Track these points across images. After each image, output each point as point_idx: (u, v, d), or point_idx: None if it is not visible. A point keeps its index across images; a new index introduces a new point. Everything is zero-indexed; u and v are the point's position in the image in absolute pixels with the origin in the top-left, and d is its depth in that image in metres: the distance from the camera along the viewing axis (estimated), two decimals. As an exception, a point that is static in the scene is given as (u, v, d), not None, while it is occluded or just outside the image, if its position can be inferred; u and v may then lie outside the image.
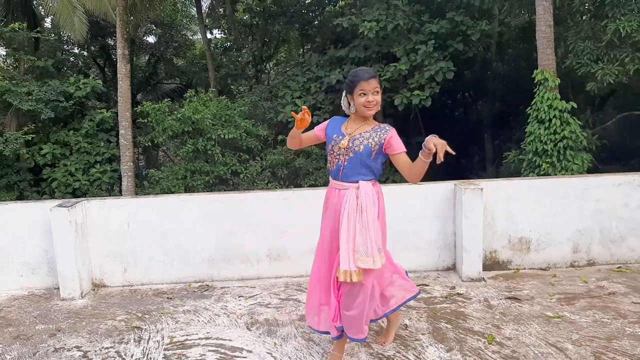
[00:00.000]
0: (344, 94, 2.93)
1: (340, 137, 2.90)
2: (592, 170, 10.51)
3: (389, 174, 14.01)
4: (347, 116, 2.99)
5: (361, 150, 2.84)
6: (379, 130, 2.87)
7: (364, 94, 2.78)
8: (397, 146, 2.84)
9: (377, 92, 2.80)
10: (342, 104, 2.97)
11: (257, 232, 4.52)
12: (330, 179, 3.02)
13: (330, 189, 3.02)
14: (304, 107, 2.81)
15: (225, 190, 12.69)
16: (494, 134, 17.19)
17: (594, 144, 11.40)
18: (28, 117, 12.95)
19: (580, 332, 3.36)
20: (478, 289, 4.15)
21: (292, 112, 3.00)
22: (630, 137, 15.45)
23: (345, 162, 2.88)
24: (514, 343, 3.25)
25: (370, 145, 2.84)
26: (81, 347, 3.45)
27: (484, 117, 17.72)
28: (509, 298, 3.94)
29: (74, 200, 4.58)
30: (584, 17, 11.53)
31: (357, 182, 2.86)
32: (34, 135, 12.68)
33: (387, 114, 14.96)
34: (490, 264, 4.53)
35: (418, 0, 13.97)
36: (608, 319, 3.54)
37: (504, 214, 4.46)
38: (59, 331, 3.70)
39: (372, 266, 2.77)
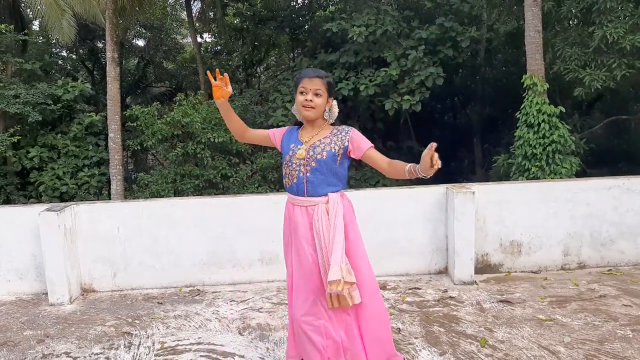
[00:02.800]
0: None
1: (298, 147, 2.61)
2: (581, 173, 10.61)
3: (379, 177, 14.05)
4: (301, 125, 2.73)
5: (324, 157, 2.56)
6: (338, 133, 2.61)
7: (304, 92, 2.55)
8: (363, 144, 2.58)
9: (319, 94, 2.54)
10: (292, 109, 2.72)
11: (249, 236, 4.49)
12: (290, 195, 2.67)
13: (289, 206, 2.67)
14: (219, 70, 2.59)
15: (215, 194, 12.64)
16: (483, 138, 17.32)
17: (582, 148, 11.52)
18: (15, 120, 12.80)
19: (572, 334, 3.38)
20: (470, 292, 4.16)
21: (207, 73, 2.69)
22: (617, 141, 15.68)
23: (308, 174, 2.56)
24: (507, 346, 3.25)
25: (333, 150, 2.57)
26: (70, 353, 3.39)
27: (473, 121, 17.85)
28: (501, 301, 3.95)
29: (62, 204, 4.52)
30: (571, 24, 11.66)
31: (326, 195, 2.57)
32: (20, 138, 12.54)
33: (378, 118, 15.04)
34: (482, 267, 4.54)
35: (408, 6, 14.07)
36: (599, 321, 3.56)
37: (496, 218, 4.48)
38: (47, 337, 3.64)
39: (339, 276, 2.44)
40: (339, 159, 2.59)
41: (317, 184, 2.57)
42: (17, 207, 4.54)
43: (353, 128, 2.65)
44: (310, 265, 2.59)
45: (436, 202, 4.47)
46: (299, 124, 2.75)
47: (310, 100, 2.54)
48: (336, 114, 2.66)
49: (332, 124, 2.68)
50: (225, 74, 2.59)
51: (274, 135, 2.76)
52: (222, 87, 2.58)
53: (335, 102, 2.65)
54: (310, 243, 2.59)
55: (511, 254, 4.55)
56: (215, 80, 2.58)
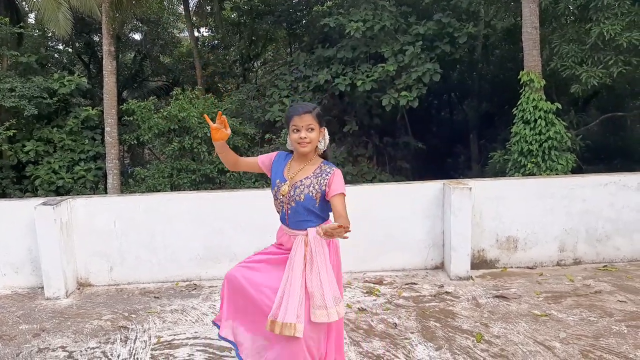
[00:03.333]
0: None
1: (282, 183, 2.66)
2: (576, 170, 10.65)
3: (375, 173, 14.06)
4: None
5: (302, 200, 2.61)
6: (321, 174, 2.62)
7: (297, 130, 2.59)
8: (334, 188, 2.58)
9: (312, 129, 2.58)
10: (287, 145, 2.76)
11: (245, 231, 4.48)
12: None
13: (280, 230, 2.80)
14: (220, 112, 2.63)
15: (211, 189, 12.62)
16: (480, 134, 17.34)
17: (578, 144, 11.55)
18: (11, 114, 12.72)
19: (567, 330, 3.39)
20: (466, 287, 4.18)
21: (205, 116, 2.74)
22: (612, 137, 15.71)
23: (289, 211, 2.65)
24: (503, 341, 3.27)
25: (311, 194, 2.60)
26: (66, 347, 3.39)
27: (469, 117, 17.87)
28: (497, 297, 3.97)
29: (59, 198, 4.51)
30: (568, 20, 11.66)
31: (305, 229, 2.62)
32: (16, 132, 12.47)
33: (374, 114, 15.02)
34: (478, 262, 4.56)
35: (405, 1, 14.03)
36: (595, 317, 3.58)
37: (492, 214, 4.50)
38: (43, 331, 3.63)
39: (326, 320, 2.49)
40: (317, 202, 2.63)
41: (296, 220, 2.64)
42: (13, 201, 4.53)
43: (337, 170, 2.66)
44: (274, 281, 2.62)
45: (433, 198, 4.48)
46: (290, 151, 2.79)
47: (305, 137, 2.58)
48: (327, 140, 2.71)
49: (323, 154, 2.73)
50: (224, 117, 2.62)
51: (263, 163, 2.81)
52: (221, 130, 2.61)
53: (326, 129, 2.70)
54: (282, 260, 2.66)
55: (507, 249, 4.57)
56: (215, 122, 2.60)
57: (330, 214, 2.66)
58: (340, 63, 13.22)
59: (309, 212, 2.62)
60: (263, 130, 14.17)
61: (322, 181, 2.61)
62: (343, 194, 2.58)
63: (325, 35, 14.89)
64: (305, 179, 2.63)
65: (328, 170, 2.64)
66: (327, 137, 2.70)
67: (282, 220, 2.73)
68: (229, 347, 3.28)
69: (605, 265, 4.60)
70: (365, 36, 12.42)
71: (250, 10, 17.42)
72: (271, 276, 2.66)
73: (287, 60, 16.55)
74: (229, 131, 2.63)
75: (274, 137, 13.02)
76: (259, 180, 12.99)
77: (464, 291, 4.10)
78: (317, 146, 2.66)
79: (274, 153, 2.83)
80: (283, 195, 2.65)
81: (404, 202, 4.52)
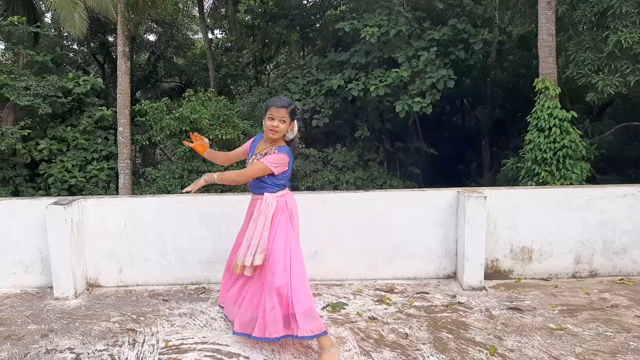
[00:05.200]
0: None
1: (251, 157, 3.32)
2: (590, 179, 10.51)
3: (386, 178, 13.98)
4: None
5: None
6: (272, 151, 3.21)
7: (272, 119, 3.15)
8: (266, 159, 3.16)
9: (284, 121, 3.14)
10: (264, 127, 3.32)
11: (256, 235, 4.43)
12: None
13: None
14: (194, 134, 3.34)
15: (221, 191, 12.62)
16: (492, 141, 17.21)
17: (592, 153, 11.41)
18: (25, 112, 12.84)
19: (583, 345, 3.31)
20: (479, 298, 4.10)
21: (184, 142, 3.44)
22: (627, 147, 15.49)
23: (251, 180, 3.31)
24: (517, 355, 3.19)
25: None
26: (74, 349, 3.36)
27: (482, 123, 17.74)
28: (511, 308, 3.89)
29: (70, 198, 4.50)
30: (585, 28, 11.53)
31: (262, 194, 3.26)
32: (30, 131, 12.57)
33: (386, 119, 14.96)
34: (492, 272, 4.47)
35: (419, 6, 13.97)
36: (611, 332, 3.49)
37: (507, 223, 4.41)
38: (51, 332, 3.61)
39: (247, 263, 3.18)
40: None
41: (253, 186, 3.33)
42: (24, 200, 4.53)
43: (281, 153, 3.20)
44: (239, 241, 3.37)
45: (447, 206, 4.41)
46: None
47: (276, 126, 3.16)
48: (296, 131, 3.31)
49: (289, 141, 3.30)
50: (196, 133, 3.38)
51: (246, 148, 3.45)
52: (202, 143, 3.33)
53: (295, 122, 3.28)
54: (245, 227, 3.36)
55: (522, 260, 4.48)
56: (192, 142, 3.35)
57: (286, 183, 3.32)
58: (354, 68, 13.18)
59: (258, 179, 3.25)
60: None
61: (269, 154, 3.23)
62: (263, 163, 3.16)
63: (338, 40, 14.88)
64: (264, 152, 3.25)
65: (276, 150, 3.22)
66: (295, 128, 3.29)
67: (249, 186, 3.38)
68: (237, 354, 3.25)
69: (622, 279, 4.49)
70: (379, 41, 12.37)
71: (264, 13, 17.48)
72: (238, 239, 3.43)
73: (300, 63, 16.56)
74: (205, 140, 3.34)
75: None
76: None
77: (476, 302, 4.02)
78: (285, 134, 3.24)
79: (253, 137, 3.48)
80: (249, 164, 3.30)
81: (417, 209, 4.45)
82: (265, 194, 3.25)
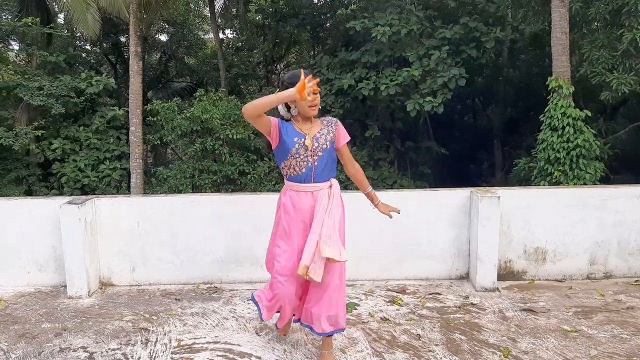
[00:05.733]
0: None
1: (303, 139, 2.85)
2: (604, 179, 10.37)
3: (396, 177, 13.93)
4: (287, 120, 2.95)
5: (328, 147, 2.90)
6: (328, 125, 2.94)
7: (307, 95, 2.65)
8: (343, 137, 2.95)
9: (316, 93, 2.76)
10: (279, 110, 2.91)
11: (268, 234, 4.41)
12: (292, 184, 2.94)
13: (293, 194, 2.94)
14: (310, 77, 2.62)
15: (232, 190, 12.67)
16: (504, 140, 17.06)
17: (606, 153, 11.26)
18: (38, 112, 12.98)
19: (598, 347, 3.27)
20: (492, 299, 4.06)
21: (301, 70, 2.71)
22: (642, 146, 15.29)
23: (316, 163, 2.87)
24: (531, 357, 3.15)
25: (332, 139, 2.93)
26: (87, 347, 3.39)
27: (494, 123, 17.60)
28: (525, 310, 3.85)
29: (84, 197, 4.53)
30: (599, 25, 11.38)
31: (329, 180, 2.93)
32: (43, 131, 12.71)
33: (397, 118, 14.90)
34: (505, 273, 4.43)
35: (431, 5, 13.89)
36: (627, 334, 3.44)
37: (521, 223, 4.37)
38: (64, 330, 3.64)
39: (338, 258, 2.84)
40: (334, 147, 2.96)
41: (323, 171, 2.89)
42: (38, 199, 4.57)
43: (337, 120, 2.98)
44: (299, 240, 2.93)
45: (460, 206, 4.38)
46: (284, 119, 2.96)
47: (315, 98, 2.80)
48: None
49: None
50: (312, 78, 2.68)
51: (275, 125, 2.87)
52: (314, 95, 2.76)
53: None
54: (306, 223, 2.91)
55: (535, 261, 4.44)
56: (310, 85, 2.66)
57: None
58: (364, 67, 13.14)
59: (331, 159, 2.93)
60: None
61: (331, 129, 2.93)
62: (347, 144, 2.99)
63: (348, 39, 14.84)
64: (320, 130, 2.91)
65: (332, 120, 2.97)
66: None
67: (306, 177, 2.88)
68: (249, 354, 3.25)
69: (637, 280, 4.43)
70: (390, 40, 12.32)
71: (274, 12, 17.49)
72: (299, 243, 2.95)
73: (310, 63, 16.54)
74: (316, 97, 2.80)
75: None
76: (279, 183, 12.98)
77: (490, 303, 3.99)
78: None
79: (275, 119, 2.90)
80: (308, 149, 2.85)
81: (429, 209, 4.42)
82: (332, 179, 2.97)
